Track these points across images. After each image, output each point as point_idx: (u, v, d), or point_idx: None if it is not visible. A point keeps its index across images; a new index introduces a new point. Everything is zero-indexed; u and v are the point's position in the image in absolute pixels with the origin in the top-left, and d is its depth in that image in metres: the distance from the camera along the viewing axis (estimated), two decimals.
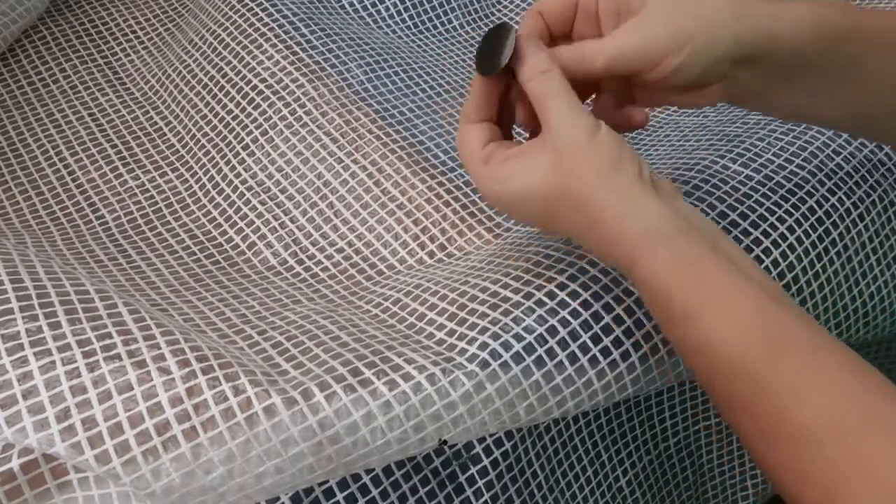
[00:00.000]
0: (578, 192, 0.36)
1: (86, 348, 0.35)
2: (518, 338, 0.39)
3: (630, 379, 0.40)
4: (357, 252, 0.52)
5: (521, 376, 0.38)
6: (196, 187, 0.57)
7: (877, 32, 0.41)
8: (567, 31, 0.42)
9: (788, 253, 0.44)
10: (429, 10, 0.69)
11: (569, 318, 0.40)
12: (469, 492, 0.40)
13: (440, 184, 0.54)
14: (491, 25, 0.70)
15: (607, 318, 0.40)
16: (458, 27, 0.69)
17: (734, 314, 0.34)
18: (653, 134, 0.59)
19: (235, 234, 0.54)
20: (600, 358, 0.40)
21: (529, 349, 0.39)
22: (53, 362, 0.35)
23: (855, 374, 0.32)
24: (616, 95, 0.42)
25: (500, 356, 0.38)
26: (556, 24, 0.42)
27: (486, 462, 0.41)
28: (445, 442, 0.38)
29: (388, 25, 0.67)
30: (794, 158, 0.48)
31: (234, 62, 0.60)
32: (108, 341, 0.36)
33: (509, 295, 0.41)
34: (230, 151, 0.57)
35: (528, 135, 0.43)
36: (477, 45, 0.41)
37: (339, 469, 0.36)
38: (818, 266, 0.45)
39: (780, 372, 0.33)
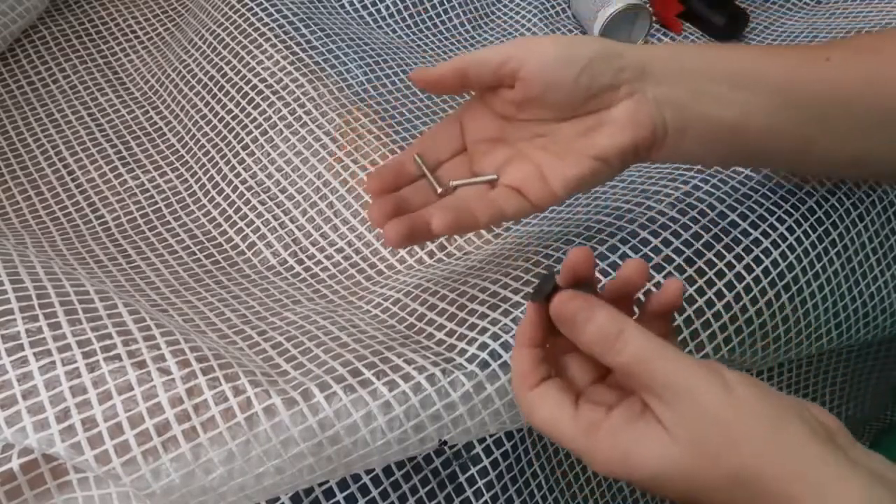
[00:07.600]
0: (740, 467, 0.29)
1: (86, 349, 0.35)
2: None
3: None
4: (357, 252, 0.52)
5: None
6: (196, 187, 0.57)
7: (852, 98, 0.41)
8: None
9: (788, 253, 0.44)
10: (429, 9, 0.69)
11: None
12: (469, 492, 0.40)
13: None
14: (492, 28, 0.70)
15: None
16: (458, 26, 0.69)
17: None
18: None
19: (235, 234, 0.54)
20: None
21: None
22: (53, 362, 0.35)
23: None
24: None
25: (500, 357, 0.38)
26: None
27: (486, 462, 0.41)
28: (445, 442, 0.38)
29: (388, 25, 0.67)
30: None
31: (234, 62, 0.60)
32: (108, 342, 0.36)
33: (509, 295, 0.41)
34: (230, 151, 0.57)
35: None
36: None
37: (339, 469, 0.36)
38: (818, 266, 0.45)
39: None
